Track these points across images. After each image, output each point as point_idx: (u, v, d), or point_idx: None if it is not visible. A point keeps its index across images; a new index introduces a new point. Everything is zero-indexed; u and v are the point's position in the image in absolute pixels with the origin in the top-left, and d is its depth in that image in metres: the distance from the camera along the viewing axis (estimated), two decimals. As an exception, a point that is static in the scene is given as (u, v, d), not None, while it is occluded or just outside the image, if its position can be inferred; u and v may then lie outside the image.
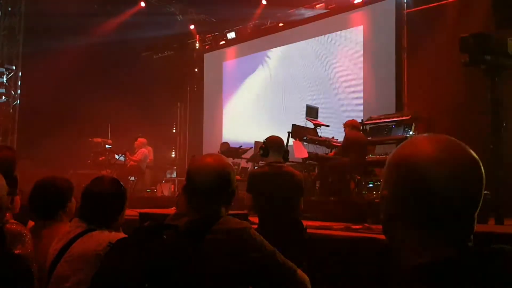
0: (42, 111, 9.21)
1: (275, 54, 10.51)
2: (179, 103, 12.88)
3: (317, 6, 9.42)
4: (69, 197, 2.30)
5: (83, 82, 9.55)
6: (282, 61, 10.38)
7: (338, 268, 3.53)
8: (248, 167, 8.34)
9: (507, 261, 0.83)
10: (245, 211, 3.88)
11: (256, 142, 8.05)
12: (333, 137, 7.01)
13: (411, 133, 5.90)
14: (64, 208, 2.26)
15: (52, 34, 8.95)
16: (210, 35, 11.74)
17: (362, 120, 6.89)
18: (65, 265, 1.83)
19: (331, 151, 6.68)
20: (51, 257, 1.88)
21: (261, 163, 6.71)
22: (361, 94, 8.72)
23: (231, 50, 11.56)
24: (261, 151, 3.63)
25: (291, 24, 10.08)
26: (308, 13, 9.65)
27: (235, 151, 8.11)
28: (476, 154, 0.87)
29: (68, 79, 9.32)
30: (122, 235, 1.97)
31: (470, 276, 0.80)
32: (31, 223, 2.34)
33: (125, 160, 8.73)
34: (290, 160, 4.01)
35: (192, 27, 11.59)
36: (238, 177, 5.28)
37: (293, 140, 6.32)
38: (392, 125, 6.24)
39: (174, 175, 10.60)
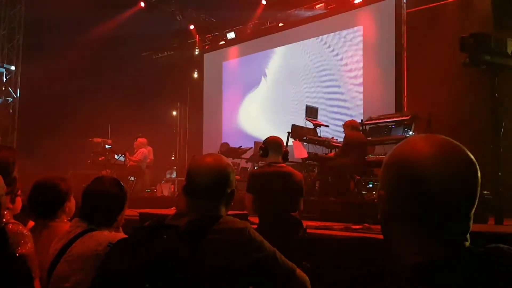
0: (42, 111, 9.21)
1: (274, 54, 10.51)
2: (178, 103, 12.89)
3: (316, 6, 9.42)
4: (69, 197, 2.30)
5: (83, 82, 9.55)
6: (281, 61, 10.38)
7: (338, 268, 3.53)
8: (248, 167, 8.34)
9: (503, 261, 0.83)
10: (245, 211, 3.88)
11: (255, 142, 8.06)
12: (332, 137, 7.01)
13: (410, 133, 5.90)
14: (64, 207, 2.26)
15: (52, 34, 8.95)
16: (210, 35, 11.75)
17: (361, 120, 6.89)
18: (65, 265, 1.83)
19: (330, 151, 6.68)
20: (51, 257, 1.88)
21: (260, 163, 6.72)
22: (361, 94, 8.72)
23: (231, 50, 11.56)
24: (261, 151, 3.63)
25: (291, 24, 10.08)
26: (307, 13, 9.65)
27: (234, 151, 8.12)
28: (476, 154, 0.88)
29: (67, 79, 9.32)
30: (122, 235, 1.98)
31: (466, 275, 0.81)
32: (31, 223, 2.34)
33: (125, 160, 8.73)
34: (289, 160, 4.01)
35: (192, 27, 11.60)
36: (237, 177, 5.27)
37: (293, 140, 6.33)
38: (391, 125, 6.24)
39: (174, 175, 10.59)
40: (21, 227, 1.79)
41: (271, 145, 3.60)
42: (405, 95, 7.89)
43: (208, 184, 1.57)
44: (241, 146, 8.33)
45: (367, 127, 6.63)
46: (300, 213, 3.57)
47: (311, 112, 7.17)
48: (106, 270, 1.42)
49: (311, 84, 9.67)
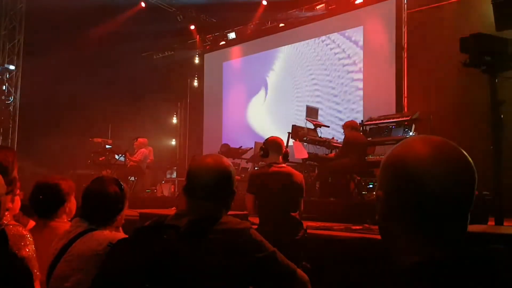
0: (42, 111, 9.21)
1: (275, 55, 10.51)
2: (179, 103, 12.89)
3: (317, 7, 9.42)
4: (69, 197, 2.30)
5: (83, 82, 9.55)
6: (282, 61, 10.39)
7: (338, 268, 3.53)
8: (248, 168, 8.35)
9: (501, 261, 0.83)
10: (245, 212, 3.88)
11: (256, 143, 8.06)
12: (333, 138, 7.01)
13: (411, 133, 5.90)
14: (64, 207, 2.27)
15: (52, 34, 8.96)
16: (210, 35, 11.75)
17: (362, 120, 6.89)
18: (65, 265, 1.83)
19: (331, 152, 6.68)
20: (51, 257, 1.88)
21: (261, 163, 6.72)
22: (361, 95, 8.73)
23: (231, 51, 11.57)
24: (261, 152, 3.63)
25: (291, 24, 10.09)
26: (308, 13, 9.65)
27: (235, 151, 8.12)
28: (476, 154, 0.88)
29: (68, 79, 9.32)
30: (122, 235, 1.98)
31: (463, 276, 0.81)
32: (31, 223, 2.35)
33: (125, 160, 8.73)
34: (290, 160, 4.01)
35: (192, 27, 11.60)
36: (237, 177, 5.28)
37: (293, 140, 6.33)
38: (392, 125, 6.24)
39: (174, 175, 10.60)
40: (21, 229, 1.79)
41: (271, 146, 3.60)
42: (406, 95, 7.90)
43: (209, 185, 1.57)
44: (241, 147, 8.33)
45: (367, 127, 6.63)
46: (301, 213, 3.57)
47: (311, 113, 7.18)
48: (107, 270, 1.43)
49: (312, 85, 9.67)
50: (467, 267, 0.82)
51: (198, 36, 11.92)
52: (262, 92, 10.71)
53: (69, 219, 2.27)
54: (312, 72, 9.71)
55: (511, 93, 4.33)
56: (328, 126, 7.39)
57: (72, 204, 2.32)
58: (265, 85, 10.66)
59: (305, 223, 3.56)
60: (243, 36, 11.02)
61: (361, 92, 8.74)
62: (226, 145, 8.58)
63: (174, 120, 12.98)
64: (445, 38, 6.50)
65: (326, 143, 6.62)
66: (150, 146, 9.13)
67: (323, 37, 9.55)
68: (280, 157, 3.58)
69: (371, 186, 6.40)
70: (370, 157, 6.13)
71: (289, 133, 6.36)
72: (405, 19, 8.02)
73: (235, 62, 11.60)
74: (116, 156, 8.66)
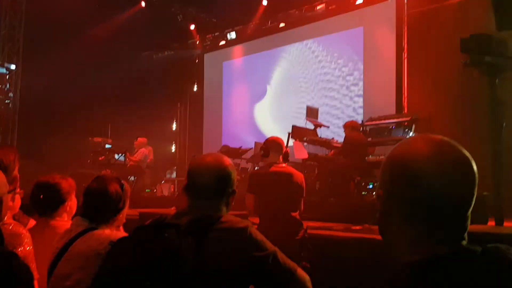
0: (42, 110, 9.21)
1: (275, 54, 10.51)
2: (179, 103, 12.88)
3: (317, 7, 9.42)
4: (70, 196, 2.30)
5: (83, 82, 9.55)
6: (282, 61, 10.39)
7: (338, 268, 3.53)
8: (248, 168, 8.35)
9: (500, 260, 0.84)
10: (244, 212, 3.88)
11: (256, 143, 8.06)
12: (333, 138, 7.01)
13: (411, 134, 5.90)
14: (65, 206, 2.27)
15: (52, 34, 8.96)
16: (210, 35, 11.75)
17: (362, 121, 6.89)
18: (66, 264, 1.83)
19: (331, 152, 6.68)
20: (52, 256, 1.88)
21: (261, 163, 6.72)
22: (362, 95, 8.73)
23: (231, 50, 11.57)
24: (262, 152, 3.63)
25: (291, 24, 10.09)
26: (308, 13, 9.65)
27: (235, 151, 8.12)
28: (476, 155, 0.89)
29: (68, 79, 9.32)
30: (123, 234, 1.98)
31: (464, 274, 0.81)
32: (32, 222, 2.35)
33: (125, 160, 8.73)
34: (290, 160, 4.01)
35: (192, 27, 11.60)
36: (237, 177, 5.27)
37: (293, 140, 6.33)
38: (392, 126, 6.24)
39: (174, 175, 10.60)
40: (18, 228, 1.79)
41: (271, 146, 3.60)
42: (406, 96, 7.90)
43: (209, 184, 1.57)
44: (241, 147, 8.33)
45: (368, 128, 6.62)
46: (301, 213, 3.57)
47: (311, 113, 7.18)
48: (107, 269, 1.43)
49: (312, 84, 9.67)
50: (467, 266, 0.82)
51: (198, 36, 11.92)
52: (262, 92, 10.71)
53: (70, 218, 2.27)
54: (312, 72, 9.71)
55: (511, 93, 4.34)
56: (328, 126, 7.39)
57: (72, 203, 2.32)
58: (266, 85, 10.66)
59: (305, 223, 3.56)
60: (243, 36, 11.02)
61: (361, 92, 8.74)
62: (225, 146, 8.58)
63: (174, 120, 12.97)
64: (446, 39, 6.50)
65: (326, 143, 6.62)
66: (149, 146, 9.13)
67: (323, 37, 9.55)
68: (281, 157, 3.58)
69: (371, 186, 6.39)
70: (370, 157, 6.14)
71: (289, 133, 6.36)
72: (406, 20, 8.02)
73: (235, 62, 11.60)
74: (116, 156, 8.66)
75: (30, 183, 2.29)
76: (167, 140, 12.53)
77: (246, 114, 10.95)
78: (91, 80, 9.66)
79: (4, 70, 9.69)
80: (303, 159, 6.41)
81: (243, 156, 8.27)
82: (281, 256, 1.52)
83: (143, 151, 8.77)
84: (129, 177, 8.64)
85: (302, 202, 3.54)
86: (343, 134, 6.22)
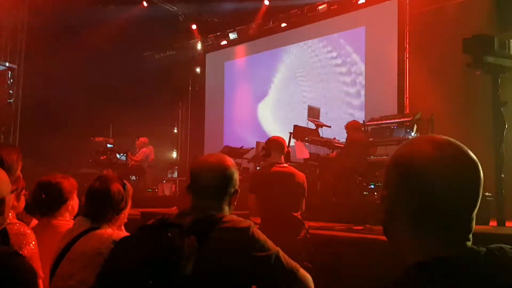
0: (44, 110, 9.22)
1: (277, 54, 10.51)
2: (180, 103, 12.89)
3: (319, 7, 9.42)
4: (72, 195, 2.31)
5: (85, 81, 9.56)
6: (283, 61, 10.38)
7: (339, 268, 3.54)
8: (250, 168, 8.34)
9: (505, 261, 0.84)
10: (246, 212, 3.88)
11: (257, 143, 8.06)
12: (334, 138, 7.01)
13: (412, 134, 5.90)
14: (67, 206, 2.27)
15: (54, 33, 8.97)
16: (212, 35, 11.75)
17: (363, 121, 6.89)
18: (68, 263, 1.83)
19: (332, 152, 6.68)
20: (54, 255, 1.88)
21: (262, 163, 6.72)
22: (363, 95, 8.72)
23: (233, 50, 11.57)
24: (263, 152, 3.64)
25: (293, 24, 10.08)
26: (310, 13, 9.65)
27: (236, 151, 8.12)
28: (479, 155, 0.88)
29: (70, 78, 9.33)
30: (125, 233, 1.98)
31: (469, 275, 0.81)
32: (34, 221, 2.35)
33: (126, 159, 8.74)
34: (291, 160, 4.01)
35: (194, 27, 11.60)
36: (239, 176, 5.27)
37: (295, 140, 6.33)
38: (393, 126, 6.24)
39: (175, 175, 10.60)
40: (23, 227, 1.79)
41: (273, 146, 3.60)
42: (407, 96, 7.89)
43: (212, 184, 1.58)
44: (242, 146, 8.33)
45: (369, 128, 6.63)
46: (302, 213, 3.57)
47: (313, 113, 7.18)
48: (110, 268, 1.43)
49: (314, 84, 9.67)
50: (471, 267, 0.82)
51: (199, 35, 11.92)
52: (264, 92, 10.71)
53: (72, 217, 2.27)
54: (313, 72, 9.71)
55: (514, 94, 4.33)
56: (330, 126, 7.38)
57: (74, 203, 2.32)
58: (267, 85, 10.65)
59: (307, 223, 3.56)
60: (245, 36, 11.02)
61: (363, 92, 8.74)
62: (227, 147, 8.58)
63: (175, 120, 12.97)
64: (448, 39, 6.49)
65: (328, 143, 6.62)
66: (151, 145, 9.14)
67: (325, 37, 9.55)
68: (282, 157, 3.58)
69: (372, 186, 6.39)
70: (372, 157, 6.13)
71: (290, 133, 6.36)
72: (408, 20, 8.01)
73: (237, 61, 11.60)
74: (118, 155, 8.68)
75: (32, 183, 2.30)
76: (169, 140, 12.54)
77: (247, 114, 10.94)
78: (93, 80, 9.67)
79: (6, 69, 9.68)
80: (304, 159, 6.41)
81: (244, 156, 8.27)
82: (284, 256, 1.52)
83: (145, 151, 8.79)
84: (130, 176, 8.65)
85: (303, 202, 3.55)
86: (345, 134, 6.22)
